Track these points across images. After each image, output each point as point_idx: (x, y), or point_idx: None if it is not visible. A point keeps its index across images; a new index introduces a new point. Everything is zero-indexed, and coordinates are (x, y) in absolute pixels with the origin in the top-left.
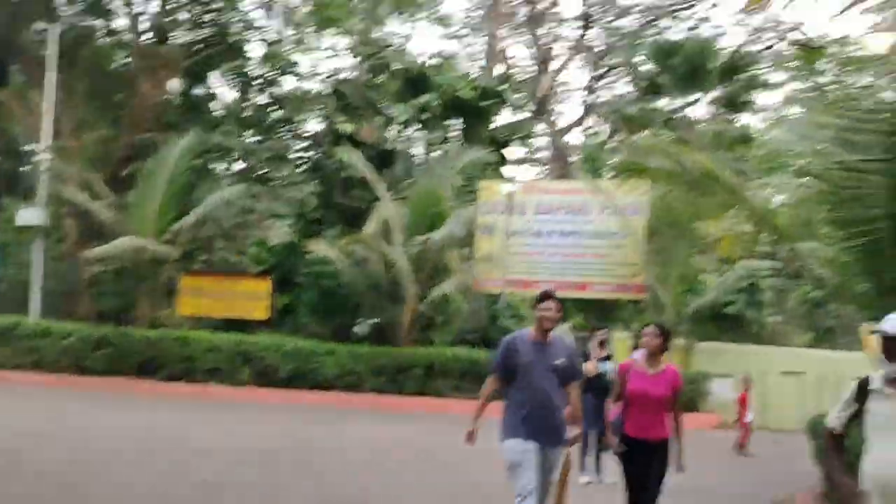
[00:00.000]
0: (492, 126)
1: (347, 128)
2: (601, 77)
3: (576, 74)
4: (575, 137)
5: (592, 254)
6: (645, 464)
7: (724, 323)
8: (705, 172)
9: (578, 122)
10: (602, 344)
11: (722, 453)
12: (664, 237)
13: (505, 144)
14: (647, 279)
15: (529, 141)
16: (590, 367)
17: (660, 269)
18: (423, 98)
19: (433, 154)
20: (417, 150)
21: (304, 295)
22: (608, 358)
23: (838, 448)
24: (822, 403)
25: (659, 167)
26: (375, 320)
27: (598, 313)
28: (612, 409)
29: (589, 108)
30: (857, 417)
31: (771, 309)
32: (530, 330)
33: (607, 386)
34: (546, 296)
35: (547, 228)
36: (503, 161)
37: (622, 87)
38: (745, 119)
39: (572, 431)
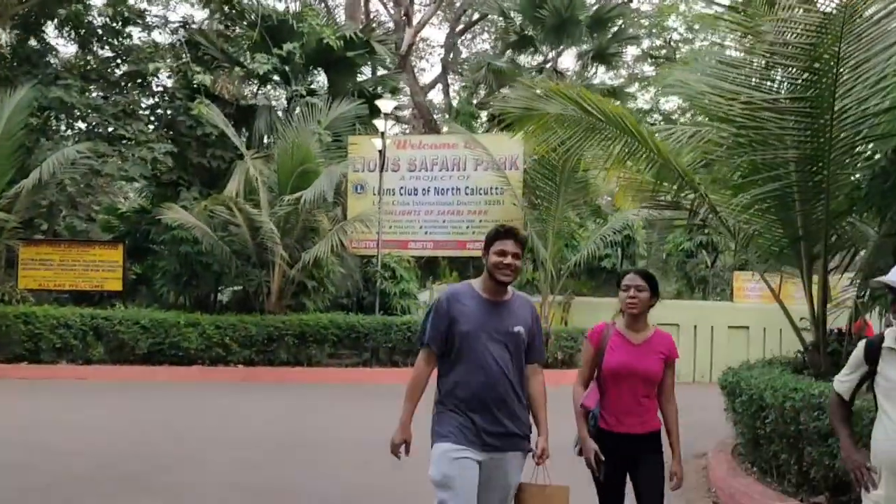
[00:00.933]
0: (359, 79)
1: (205, 79)
2: (462, 33)
3: (436, 32)
4: (436, 95)
5: (469, 210)
6: (626, 467)
7: (599, 277)
8: (609, 116)
9: (440, 80)
10: None
11: None
12: (543, 190)
13: (375, 97)
14: (527, 235)
15: (399, 95)
16: None
17: (538, 224)
18: (287, 47)
19: (298, 108)
20: (280, 105)
21: (161, 263)
22: None
23: (846, 417)
24: (698, 353)
25: (556, 112)
26: (238, 288)
27: (475, 273)
28: (588, 394)
29: (448, 65)
30: (866, 381)
31: (644, 261)
32: (473, 284)
33: None
34: (504, 232)
35: (421, 185)
36: (374, 114)
37: (482, 44)
38: (606, 73)
39: (538, 437)
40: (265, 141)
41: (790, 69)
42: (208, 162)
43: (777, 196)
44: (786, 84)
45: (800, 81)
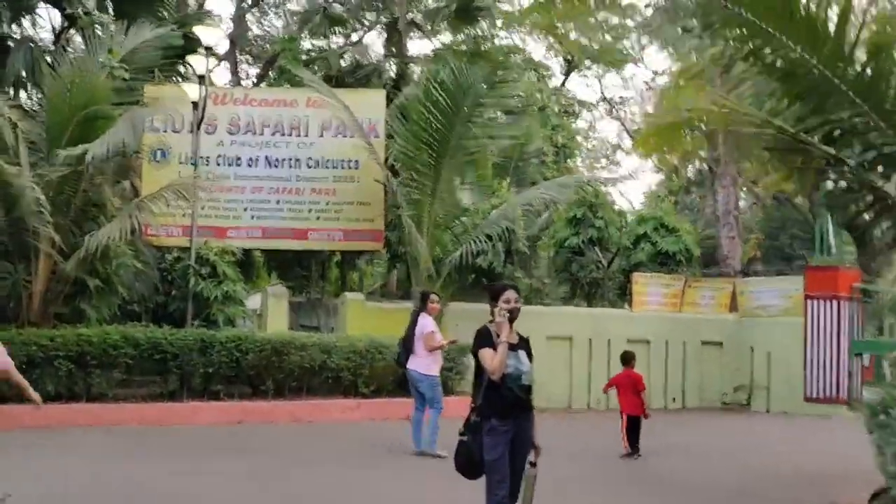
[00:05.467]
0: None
1: None
2: (253, 5)
3: (219, 4)
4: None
5: (313, 189)
6: None
7: (462, 277)
8: None
9: (227, 57)
10: None
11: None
12: (419, 162)
13: (185, 27)
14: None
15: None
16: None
17: (412, 208)
18: None
19: (77, 38)
20: (46, 40)
21: None
22: None
23: None
24: (594, 373)
25: None
26: None
27: (302, 271)
28: None
29: (237, 41)
30: None
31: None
32: None
33: None
34: None
35: (247, 154)
36: (189, 49)
37: (275, 20)
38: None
39: None
40: (25, 88)
41: None
42: None
43: None
44: None
45: None
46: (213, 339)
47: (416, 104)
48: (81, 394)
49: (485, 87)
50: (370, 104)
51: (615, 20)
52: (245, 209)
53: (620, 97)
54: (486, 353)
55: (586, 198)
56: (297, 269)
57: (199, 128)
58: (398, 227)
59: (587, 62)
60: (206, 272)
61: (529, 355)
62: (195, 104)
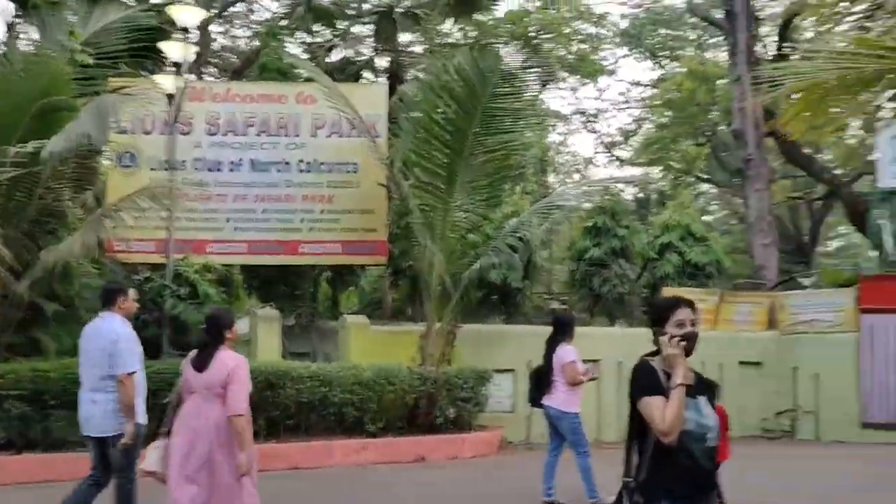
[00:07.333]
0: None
1: None
2: (218, 14)
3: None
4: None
5: (304, 195)
6: None
7: (482, 294)
8: None
9: (192, 70)
10: None
11: None
12: (433, 162)
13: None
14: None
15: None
16: None
17: (423, 215)
18: None
19: (30, 23)
20: None
21: None
22: None
23: None
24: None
25: None
26: None
27: (287, 294)
28: None
29: (204, 52)
30: None
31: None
32: None
33: None
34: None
35: (229, 157)
36: (160, 38)
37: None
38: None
39: None
40: None
41: None
42: None
43: None
44: None
45: None
46: None
47: (428, 95)
48: (37, 441)
49: (507, 73)
50: (370, 100)
51: (591, 30)
52: (227, 220)
53: (596, 109)
54: (652, 404)
55: (609, 204)
56: (281, 287)
57: (175, 122)
58: (400, 237)
59: (563, 73)
60: (184, 293)
61: (712, 402)
62: (171, 97)
